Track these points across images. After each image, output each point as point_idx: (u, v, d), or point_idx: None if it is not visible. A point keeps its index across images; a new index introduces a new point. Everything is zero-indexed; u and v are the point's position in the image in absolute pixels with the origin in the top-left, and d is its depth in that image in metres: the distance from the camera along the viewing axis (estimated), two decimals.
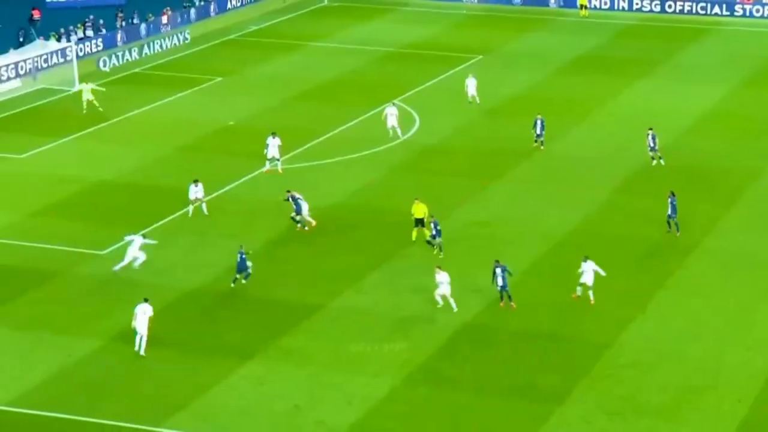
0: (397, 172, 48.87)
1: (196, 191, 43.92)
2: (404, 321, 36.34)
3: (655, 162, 48.78)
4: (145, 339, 33.94)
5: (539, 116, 51.27)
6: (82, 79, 61.54)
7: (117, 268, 39.18)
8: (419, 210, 41.96)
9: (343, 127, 54.51)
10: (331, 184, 47.38)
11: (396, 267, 40.00)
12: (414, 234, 41.82)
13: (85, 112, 55.91)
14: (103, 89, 57.08)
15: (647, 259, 40.72)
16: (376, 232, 42.88)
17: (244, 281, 38.22)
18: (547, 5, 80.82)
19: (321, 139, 53.15)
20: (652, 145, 48.70)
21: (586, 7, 78.96)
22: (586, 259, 37.19)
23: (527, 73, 64.55)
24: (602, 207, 45.40)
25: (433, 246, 40.83)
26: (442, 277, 36.73)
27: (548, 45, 71.16)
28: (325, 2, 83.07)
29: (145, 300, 34.48)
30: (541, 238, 42.34)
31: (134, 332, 34.06)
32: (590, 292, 36.87)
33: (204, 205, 44.20)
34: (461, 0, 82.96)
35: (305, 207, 42.62)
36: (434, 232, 40.83)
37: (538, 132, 50.83)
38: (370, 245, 41.74)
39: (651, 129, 49.29)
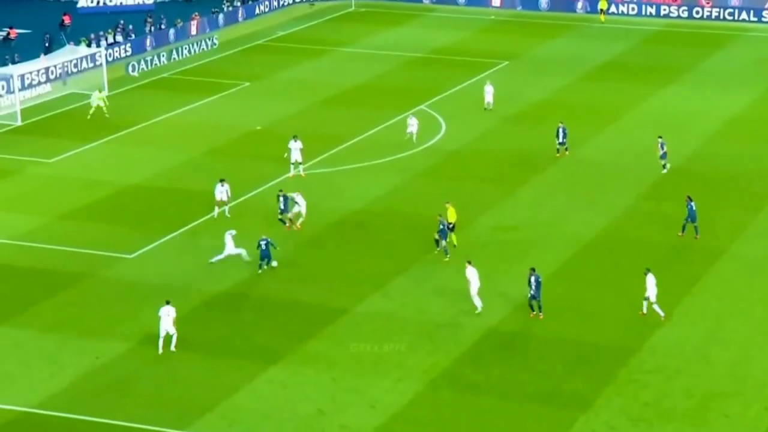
0: (423, 178, 48.76)
1: (221, 191, 44.01)
2: (429, 325, 36.19)
3: (665, 170, 48.46)
4: (175, 336, 34.24)
5: (561, 124, 51.07)
6: (111, 84, 61.85)
7: (214, 260, 39.86)
8: (451, 214, 41.88)
9: (369, 132, 54.46)
10: (356, 189, 47.32)
11: (421, 271, 39.87)
12: (454, 239, 41.64)
13: (90, 117, 56.12)
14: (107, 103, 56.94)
15: (673, 264, 40.39)
16: (401, 236, 42.77)
17: (273, 263, 39.38)
18: (574, 11, 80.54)
19: (347, 144, 53.11)
20: (661, 153, 48.47)
21: (604, 12, 78.66)
22: (647, 271, 36.21)
23: (553, 78, 64.30)
24: (628, 211, 45.11)
25: (438, 247, 40.60)
26: (471, 273, 36.58)
27: (574, 51, 70.88)
28: (352, 8, 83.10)
29: (167, 302, 34.66)
30: (566, 243, 42.12)
31: (158, 335, 34.19)
32: (656, 306, 36.05)
33: (227, 208, 44.17)
34: (488, 5, 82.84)
35: (303, 208, 41.99)
36: (439, 234, 40.56)
37: (561, 140, 50.63)
38: (395, 250, 41.64)
39: (661, 137, 49.00)
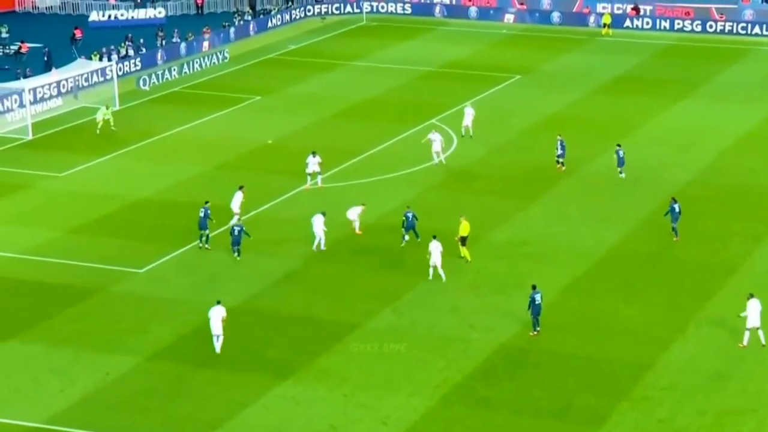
0: (435, 192, 48.78)
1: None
2: (440, 341, 36.15)
3: (623, 175, 49.72)
4: (221, 338, 34.90)
5: (560, 137, 51.21)
6: (122, 97, 62.10)
7: (314, 247, 41.79)
8: (464, 228, 41.95)
9: (381, 146, 54.52)
10: (368, 204, 47.32)
11: (432, 286, 39.86)
12: (466, 253, 41.69)
13: (99, 132, 56.21)
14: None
15: (687, 279, 40.30)
16: (412, 251, 42.75)
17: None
18: (587, 25, 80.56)
19: (359, 158, 53.18)
20: (618, 159, 49.89)
21: (609, 26, 78.79)
22: (751, 296, 35.27)
23: (565, 92, 64.34)
24: (641, 226, 45.05)
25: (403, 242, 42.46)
26: (435, 246, 39.19)
27: (587, 65, 70.93)
28: (364, 22, 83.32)
29: (218, 302, 35.39)
30: (579, 258, 42.08)
31: (211, 334, 35.05)
32: (760, 332, 35.20)
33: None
34: (500, 20, 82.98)
35: (320, 227, 42.59)
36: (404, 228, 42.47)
37: (559, 152, 50.77)
38: (406, 264, 41.63)
39: (619, 146, 50.33)
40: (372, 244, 43.58)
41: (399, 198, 47.88)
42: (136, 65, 69.01)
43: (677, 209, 43.19)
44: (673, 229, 43.33)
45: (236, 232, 42.03)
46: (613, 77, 67.94)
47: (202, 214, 42.23)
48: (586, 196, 48.38)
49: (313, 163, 48.21)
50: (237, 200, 44.83)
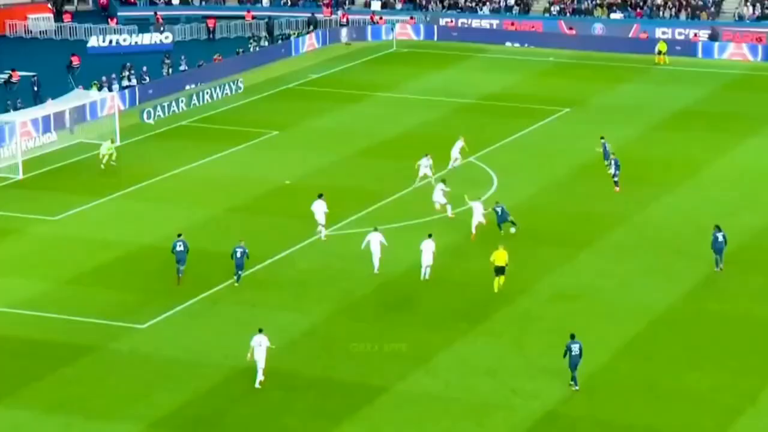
0: (469, 241, 48.76)
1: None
2: (479, 408, 36.07)
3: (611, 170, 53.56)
4: (261, 371, 36.54)
5: (613, 155, 53.66)
6: (124, 132, 62.68)
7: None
8: (501, 257, 42.61)
9: (412, 187, 54.70)
10: (397, 252, 47.40)
11: (470, 346, 39.82)
12: (495, 284, 42.62)
13: (103, 167, 56.81)
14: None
15: (759, 343, 40.05)
16: (447, 306, 42.78)
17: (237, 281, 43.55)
18: (647, 52, 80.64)
19: (387, 200, 53.38)
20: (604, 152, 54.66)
21: (664, 54, 79.01)
22: None
23: (620, 128, 64.38)
24: (707, 281, 44.87)
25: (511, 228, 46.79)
26: (427, 246, 43.52)
27: (645, 97, 71.05)
28: (393, 48, 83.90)
29: (260, 330, 36.86)
30: (635, 315, 41.93)
31: (255, 366, 36.60)
32: None
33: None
34: (547, 46, 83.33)
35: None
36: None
37: (613, 171, 52.97)
38: (440, 321, 41.65)
39: (603, 137, 55.66)
40: (402, 298, 43.63)
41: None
42: (140, 96, 69.68)
43: (720, 238, 44.38)
44: (716, 260, 44.37)
45: (239, 255, 43.66)
46: (674, 111, 67.96)
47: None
48: (644, 245, 48.27)
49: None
50: (320, 210, 47.02)
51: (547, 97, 70.57)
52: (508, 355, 39.09)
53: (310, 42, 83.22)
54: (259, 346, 36.77)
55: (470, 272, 45.50)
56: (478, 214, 48.79)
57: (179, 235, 45.32)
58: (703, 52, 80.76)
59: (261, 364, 36.83)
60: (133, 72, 72.52)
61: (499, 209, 48.19)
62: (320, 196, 48.51)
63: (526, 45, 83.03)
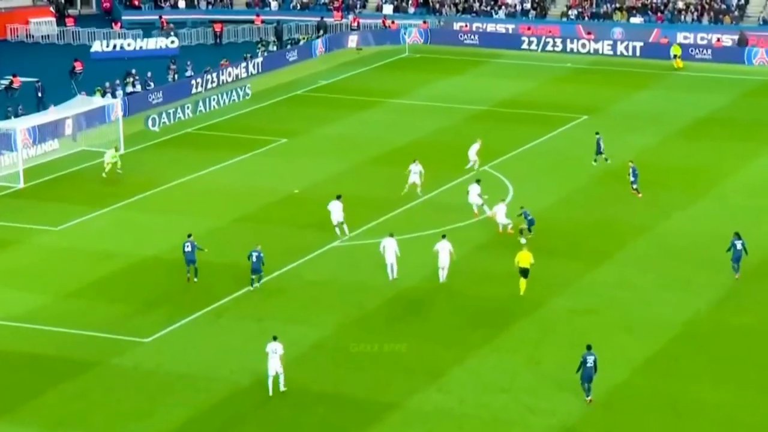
0: (486, 251, 48.70)
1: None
2: (493, 425, 35.92)
3: (597, 162, 57.52)
4: (282, 376, 37.05)
5: (631, 163, 54.02)
6: (129, 140, 62.74)
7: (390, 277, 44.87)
8: (525, 258, 42.91)
9: (425, 197, 54.61)
10: (409, 264, 47.32)
11: (484, 361, 39.69)
12: (522, 286, 43.18)
13: (105, 175, 56.86)
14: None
15: None
16: (460, 320, 42.66)
17: (257, 284, 44.35)
18: (667, 57, 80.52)
19: (398, 210, 53.31)
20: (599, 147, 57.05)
21: (679, 57, 78.98)
22: None
23: (640, 135, 64.30)
24: (730, 293, 44.69)
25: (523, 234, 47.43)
26: (442, 246, 44.48)
27: (666, 103, 70.93)
28: (406, 53, 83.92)
29: (275, 338, 37.40)
30: (656, 329, 41.76)
31: (266, 375, 36.97)
32: None
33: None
34: (565, 51, 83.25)
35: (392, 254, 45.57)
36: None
37: (632, 179, 53.51)
38: (454, 335, 41.52)
39: (597, 133, 58.49)
40: (414, 311, 43.51)
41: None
42: (144, 103, 69.75)
43: (739, 246, 44.88)
44: (734, 267, 44.96)
45: (254, 258, 44.44)
46: (697, 118, 67.80)
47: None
48: (664, 256, 48.11)
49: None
50: (337, 210, 48.41)
51: (565, 103, 70.49)
52: (524, 370, 38.93)
53: (319, 47, 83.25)
54: (274, 353, 37.16)
55: (485, 285, 45.37)
56: (501, 215, 49.78)
57: (189, 236, 45.97)
58: (728, 57, 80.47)
59: (273, 372, 37.09)
60: (137, 78, 72.60)
61: (527, 212, 49.28)
62: (339, 197, 49.35)
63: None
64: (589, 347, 36.92)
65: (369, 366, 39.44)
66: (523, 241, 46.66)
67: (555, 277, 45.94)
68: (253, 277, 44.84)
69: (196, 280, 45.43)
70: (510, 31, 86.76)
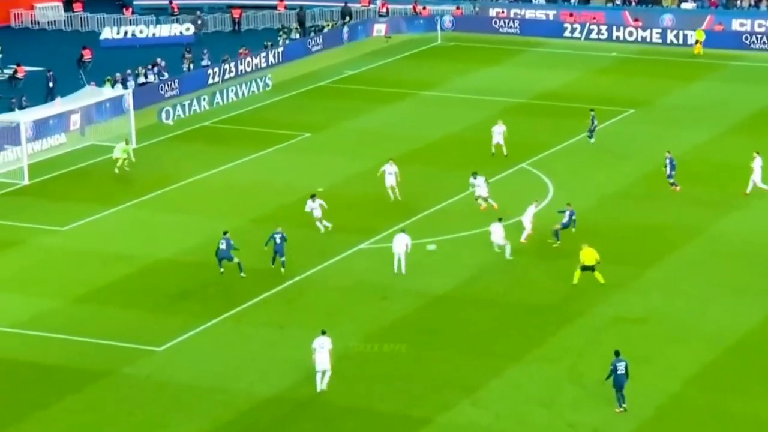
0: (525, 255, 48.63)
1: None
2: None
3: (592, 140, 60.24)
4: (328, 374, 37.67)
5: (668, 153, 54.31)
6: (141, 134, 62.96)
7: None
8: (589, 256, 44.15)
9: (458, 196, 54.58)
10: (441, 269, 47.32)
11: (522, 373, 39.65)
12: (576, 276, 44.26)
13: (117, 171, 57.12)
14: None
15: None
16: (497, 328, 42.62)
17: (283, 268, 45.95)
18: (723, 47, 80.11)
19: (430, 210, 53.29)
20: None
21: (700, 43, 78.76)
22: None
23: (691, 131, 64.09)
24: None
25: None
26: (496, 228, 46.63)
27: (720, 96, 70.68)
28: (438, 41, 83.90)
29: (323, 332, 37.88)
30: (708, 341, 41.62)
31: (314, 370, 37.63)
32: None
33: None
34: (611, 40, 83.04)
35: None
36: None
37: (669, 171, 53.86)
38: (489, 346, 41.49)
39: (592, 110, 60.89)
40: (447, 319, 43.50)
41: (477, 262, 47.79)
42: (158, 94, 69.98)
43: None
44: None
45: (278, 240, 46.20)
46: (755, 112, 67.52)
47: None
48: (718, 261, 47.94)
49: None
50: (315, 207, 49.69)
51: (609, 96, 70.29)
52: (566, 383, 38.86)
53: (345, 35, 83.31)
54: (321, 348, 37.69)
55: (523, 290, 45.31)
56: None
57: (225, 233, 46.70)
58: None
59: (320, 368, 37.72)
60: (150, 67, 72.85)
61: (567, 212, 49.14)
62: (313, 197, 50.32)
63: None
64: (617, 353, 37.03)
65: (399, 378, 39.44)
66: (556, 244, 46.86)
67: (598, 283, 45.76)
68: (281, 259, 46.15)
69: (243, 275, 46.21)
70: (551, 18, 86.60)
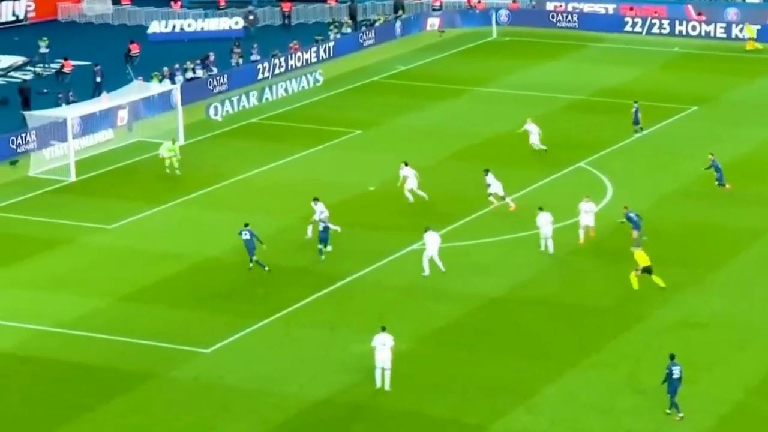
0: (583, 256, 48.50)
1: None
2: None
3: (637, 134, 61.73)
4: (389, 373, 37.98)
5: (712, 155, 54.25)
6: (188, 130, 63.29)
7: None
8: (642, 257, 44.38)
9: (514, 195, 54.48)
10: (497, 270, 47.28)
11: (579, 379, 39.55)
12: (635, 281, 44.36)
13: (168, 171, 57.51)
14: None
15: None
16: (553, 333, 42.54)
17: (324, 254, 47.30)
18: None
19: (486, 210, 53.23)
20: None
21: (752, 39, 78.14)
22: None
23: (757, 128, 63.68)
24: None
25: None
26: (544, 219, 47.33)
27: None
28: (494, 36, 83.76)
29: (383, 329, 38.34)
30: None
31: (374, 367, 38.11)
32: None
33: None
34: (673, 34, 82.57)
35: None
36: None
37: (717, 174, 53.81)
38: (545, 350, 41.43)
39: (636, 102, 62.66)
40: (501, 322, 43.47)
41: (532, 263, 47.71)
42: (206, 89, 70.30)
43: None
44: None
45: (321, 228, 47.58)
46: None
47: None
48: None
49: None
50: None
51: (672, 93, 69.95)
52: (624, 390, 38.72)
53: (397, 29, 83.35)
54: (383, 345, 38.03)
55: (580, 293, 45.20)
56: (588, 217, 49.22)
57: (246, 225, 47.12)
58: None
59: (382, 364, 38.07)
60: (198, 62, 73.22)
61: (632, 215, 48.73)
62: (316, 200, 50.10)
63: None
64: (672, 356, 36.90)
65: (453, 382, 39.46)
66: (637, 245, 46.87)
67: (659, 286, 45.60)
68: (320, 246, 47.19)
69: (267, 269, 46.77)
70: (610, 12, 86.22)
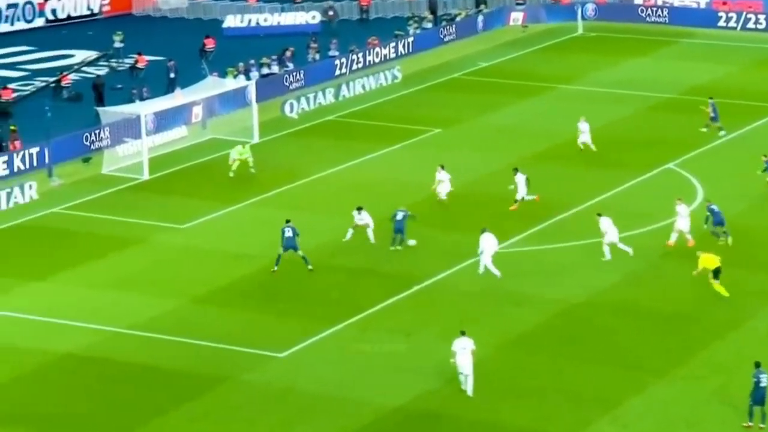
0: (672, 261, 48.09)
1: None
2: None
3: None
4: (471, 378, 38.16)
5: (765, 157, 54.11)
6: (264, 127, 63.55)
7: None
8: (710, 261, 44.36)
9: (600, 197, 54.19)
10: (580, 275, 47.02)
11: (667, 391, 39.22)
12: (718, 287, 44.16)
13: (232, 175, 57.53)
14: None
15: None
16: (639, 341, 42.22)
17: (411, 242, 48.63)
18: None
19: (569, 212, 52.97)
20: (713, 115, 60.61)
21: None
22: None
23: None
24: None
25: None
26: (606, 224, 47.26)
27: None
28: (579, 31, 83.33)
29: (462, 333, 38.47)
30: None
31: (457, 372, 38.43)
32: None
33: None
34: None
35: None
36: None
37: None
38: (630, 359, 41.13)
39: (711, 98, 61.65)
40: (585, 329, 43.22)
41: (620, 268, 47.38)
42: (282, 85, 70.54)
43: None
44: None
45: (399, 217, 48.69)
46: None
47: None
48: None
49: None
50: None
51: (765, 91, 69.14)
52: (715, 402, 38.36)
53: (479, 24, 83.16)
54: (463, 350, 38.24)
55: (669, 300, 44.80)
56: (683, 221, 48.84)
57: (288, 221, 47.81)
58: None
59: (465, 371, 38.23)
60: (274, 58, 73.51)
61: (714, 208, 48.77)
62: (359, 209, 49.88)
63: None
64: (758, 364, 36.49)
65: (533, 390, 39.30)
66: (729, 240, 46.67)
67: (753, 294, 45.13)
68: (395, 236, 48.47)
69: (310, 267, 47.26)
70: (702, 6, 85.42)
